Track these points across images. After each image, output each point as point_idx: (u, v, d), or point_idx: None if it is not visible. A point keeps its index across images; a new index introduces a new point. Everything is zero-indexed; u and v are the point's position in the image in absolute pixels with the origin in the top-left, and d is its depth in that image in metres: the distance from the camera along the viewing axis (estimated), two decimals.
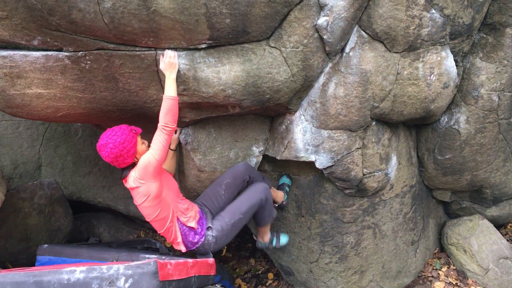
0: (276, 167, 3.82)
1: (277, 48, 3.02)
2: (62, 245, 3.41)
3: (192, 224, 3.12)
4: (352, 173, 3.46)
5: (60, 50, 2.85)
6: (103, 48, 2.84)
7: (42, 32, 2.72)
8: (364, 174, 3.52)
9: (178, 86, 2.99)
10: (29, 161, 4.56)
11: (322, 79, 3.26)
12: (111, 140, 2.87)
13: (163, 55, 2.87)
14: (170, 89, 2.89)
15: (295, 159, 3.45)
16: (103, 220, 5.13)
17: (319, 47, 3.09)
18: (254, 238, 3.89)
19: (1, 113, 4.60)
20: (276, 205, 3.79)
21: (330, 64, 3.24)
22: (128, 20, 2.66)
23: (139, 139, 3.01)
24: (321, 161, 3.40)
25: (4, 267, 4.01)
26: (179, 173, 3.81)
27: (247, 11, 2.79)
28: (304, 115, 3.38)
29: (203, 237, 3.15)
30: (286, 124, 3.46)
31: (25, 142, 4.58)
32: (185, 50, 2.93)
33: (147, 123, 3.45)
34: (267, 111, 3.46)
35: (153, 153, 2.87)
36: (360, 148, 3.46)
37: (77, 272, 2.19)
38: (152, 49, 2.89)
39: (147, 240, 3.66)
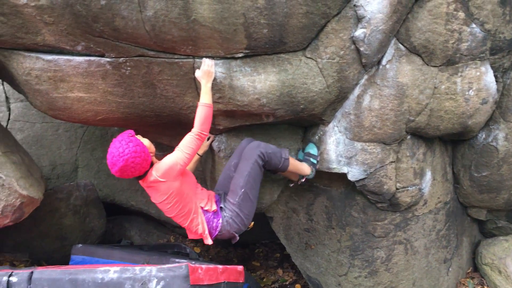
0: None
1: (313, 59, 3.03)
2: (95, 246, 3.50)
3: (213, 207, 3.09)
4: (385, 187, 3.42)
5: (102, 56, 2.94)
6: (144, 55, 2.92)
7: (86, 38, 2.82)
8: (397, 189, 3.47)
9: (213, 94, 3.04)
10: (67, 163, 4.70)
11: (357, 91, 3.25)
12: (127, 157, 2.71)
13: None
14: (206, 97, 2.92)
15: (327, 170, 3.44)
16: (135, 223, 5.22)
17: (355, 59, 3.09)
18: (291, 185, 3.72)
19: (42, 115, 4.76)
20: (303, 179, 3.52)
21: (365, 76, 3.22)
22: (168, 28, 2.72)
23: (139, 137, 2.91)
24: (354, 173, 3.38)
25: (39, 264, 4.14)
26: (211, 181, 3.85)
27: (285, 21, 2.82)
28: (337, 127, 3.37)
29: (220, 219, 3.09)
30: (319, 135, 3.46)
31: (63, 144, 4.72)
32: (222, 59, 2.98)
33: (181, 129, 3.50)
34: (301, 121, 3.47)
35: (181, 156, 2.84)
36: (394, 161, 3.42)
37: (111, 272, 2.24)
38: (190, 57, 2.95)
39: (177, 245, 3.71)
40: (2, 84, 4.80)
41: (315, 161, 3.44)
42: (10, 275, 2.27)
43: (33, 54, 2.94)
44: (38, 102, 3.20)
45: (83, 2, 2.59)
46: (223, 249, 5.40)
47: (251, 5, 2.71)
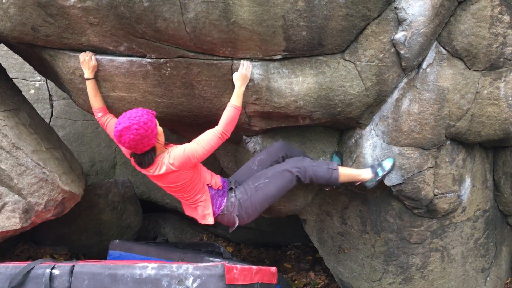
0: None
1: (351, 62, 3.01)
2: (132, 242, 3.57)
3: (218, 184, 3.10)
4: (422, 193, 3.36)
5: (144, 56, 3.01)
6: (183, 56, 2.97)
7: (128, 39, 2.90)
8: (435, 195, 3.41)
9: (250, 95, 3.06)
10: (106, 160, 4.82)
11: (396, 94, 3.21)
12: (135, 121, 2.68)
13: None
14: (238, 100, 2.94)
15: None
16: (169, 220, 5.31)
17: (395, 62, 3.05)
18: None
19: (83, 113, 4.91)
20: (358, 183, 3.37)
21: (405, 80, 3.18)
22: (208, 30, 2.76)
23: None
24: (390, 178, 3.33)
25: (78, 258, 4.27)
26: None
27: (324, 24, 2.81)
28: (374, 130, 3.33)
29: (225, 198, 3.08)
30: (355, 138, 3.43)
31: (102, 142, 4.85)
32: (260, 61, 3.00)
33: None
34: (337, 124, 3.45)
35: (199, 151, 2.83)
36: (432, 167, 3.36)
37: (149, 268, 2.29)
38: (229, 58, 2.98)
39: (211, 244, 3.75)
40: (46, 82, 4.97)
41: (381, 173, 3.28)
42: (52, 268, 2.36)
43: (78, 54, 3.04)
44: (81, 101, 3.30)
45: (127, 4, 2.66)
46: (255, 250, 5.42)
47: (291, 8, 2.72)
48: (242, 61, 2.94)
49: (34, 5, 2.78)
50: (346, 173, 3.24)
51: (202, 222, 3.15)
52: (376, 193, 3.62)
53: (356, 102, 3.10)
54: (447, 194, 3.44)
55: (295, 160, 3.18)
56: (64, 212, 3.35)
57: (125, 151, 3.07)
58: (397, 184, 3.35)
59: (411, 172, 3.30)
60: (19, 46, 3.29)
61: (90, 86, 3.07)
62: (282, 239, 5.38)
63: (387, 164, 3.28)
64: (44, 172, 3.14)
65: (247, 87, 3.01)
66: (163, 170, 2.84)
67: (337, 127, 3.53)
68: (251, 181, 3.15)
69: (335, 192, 3.79)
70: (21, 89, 3.76)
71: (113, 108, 3.24)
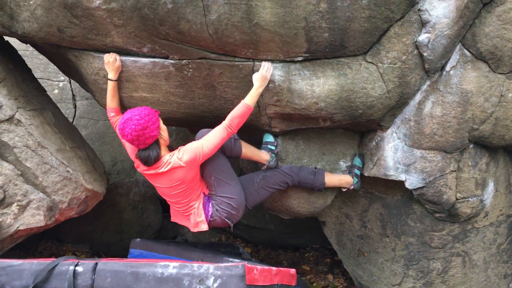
0: (362, 184, 3.75)
1: (373, 64, 2.99)
2: (153, 241, 3.61)
3: (206, 191, 3.18)
4: (444, 197, 3.32)
5: (166, 57, 3.04)
6: (205, 57, 2.99)
7: (152, 41, 2.93)
8: (457, 199, 3.37)
9: (271, 96, 3.07)
10: (127, 159, 4.88)
11: (418, 97, 3.18)
12: (136, 113, 2.81)
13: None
14: (252, 100, 2.96)
15: (383, 177, 3.38)
16: None
17: (418, 64, 3.02)
18: (343, 190, 3.66)
19: (105, 113, 4.96)
20: (344, 189, 3.58)
21: (428, 82, 3.15)
22: (230, 32, 2.78)
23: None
24: (412, 181, 3.30)
25: (99, 255, 4.33)
26: None
27: (346, 26, 2.80)
28: (396, 133, 3.30)
29: (211, 204, 3.13)
30: (376, 140, 3.41)
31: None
32: (281, 62, 3.00)
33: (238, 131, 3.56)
34: (358, 126, 3.43)
35: (208, 145, 2.89)
36: (454, 171, 3.31)
37: (171, 267, 2.31)
38: (250, 60, 3.00)
39: (230, 244, 3.76)
40: (70, 82, 5.06)
41: (273, 147, 3.45)
42: (76, 265, 2.40)
43: (102, 55, 3.08)
44: (105, 101, 3.35)
45: (151, 5, 2.69)
46: (273, 251, 5.42)
47: (313, 9, 2.72)
48: (263, 63, 2.95)
49: (60, 7, 2.84)
50: (248, 147, 3.32)
51: (195, 230, 3.19)
52: (396, 196, 3.59)
53: (377, 104, 3.08)
54: (470, 199, 3.39)
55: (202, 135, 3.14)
56: (86, 211, 3.40)
57: (131, 152, 3.08)
58: (418, 188, 3.31)
59: (433, 175, 3.26)
60: (44, 47, 3.36)
61: (111, 87, 3.14)
62: (300, 241, 5.37)
63: (268, 137, 3.46)
64: (68, 171, 3.19)
65: (268, 89, 3.02)
66: (169, 166, 2.89)
67: (358, 129, 3.51)
68: (208, 189, 3.19)
69: (355, 195, 3.78)
70: (45, 89, 3.83)
71: None
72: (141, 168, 3.01)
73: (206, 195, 3.17)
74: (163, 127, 2.97)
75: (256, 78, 2.95)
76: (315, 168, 3.48)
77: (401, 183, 3.36)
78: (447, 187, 3.30)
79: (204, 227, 3.15)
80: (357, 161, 3.53)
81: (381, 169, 3.37)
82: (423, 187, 3.30)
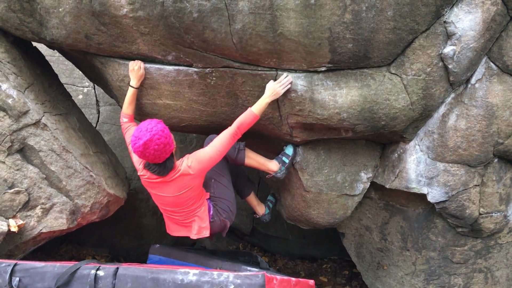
0: (383, 196, 3.72)
1: (397, 75, 2.97)
2: (171, 247, 3.63)
3: (207, 195, 3.23)
4: (467, 211, 3.26)
5: (190, 65, 3.07)
6: (229, 66, 3.01)
7: (176, 49, 2.97)
8: (480, 214, 3.31)
9: (294, 106, 3.07)
10: None
11: (442, 109, 3.14)
12: (154, 132, 2.76)
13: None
14: (259, 108, 3.00)
15: (405, 190, 3.34)
16: None
17: (443, 76, 2.99)
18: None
19: None
20: (257, 216, 3.90)
21: (452, 95, 3.11)
22: (255, 41, 2.80)
23: None
24: (434, 194, 3.26)
25: (118, 260, 4.36)
26: (284, 191, 3.87)
27: (371, 37, 2.80)
28: (419, 145, 3.27)
29: (211, 205, 3.21)
30: (398, 152, 3.38)
31: None
32: (304, 72, 3.00)
33: (258, 139, 3.57)
34: (380, 138, 3.41)
35: (216, 152, 2.94)
36: (478, 185, 3.26)
37: (191, 274, 2.31)
38: (273, 69, 3.01)
39: (249, 253, 3.76)
40: (94, 88, 5.14)
41: (287, 160, 3.46)
42: (97, 269, 2.42)
43: (127, 62, 3.13)
44: None
45: (177, 14, 2.73)
46: (290, 261, 5.39)
47: (338, 20, 2.72)
48: (284, 74, 2.96)
49: (88, 14, 2.90)
50: (254, 157, 3.41)
51: (195, 237, 3.20)
52: (418, 209, 3.54)
53: (401, 116, 3.06)
54: (493, 214, 3.33)
55: (208, 141, 3.25)
56: (108, 215, 3.44)
57: (136, 163, 3.09)
58: (441, 201, 3.27)
59: (456, 189, 3.22)
60: (71, 53, 3.43)
61: (131, 93, 3.19)
62: (318, 252, 5.33)
63: (289, 150, 3.48)
64: (91, 175, 3.24)
65: (290, 98, 3.03)
66: (179, 174, 2.92)
67: (380, 140, 3.49)
68: (208, 191, 3.25)
69: (376, 207, 3.74)
70: (70, 94, 3.90)
71: (159, 115, 3.32)
72: (147, 176, 2.99)
73: (208, 199, 3.23)
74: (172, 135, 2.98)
75: (269, 87, 2.97)
76: (238, 144, 3.37)
77: (423, 196, 3.32)
78: (470, 202, 3.25)
79: (206, 233, 3.19)
80: (289, 150, 3.50)
81: (403, 181, 3.33)
82: (446, 201, 3.25)
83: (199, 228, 3.18)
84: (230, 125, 3.33)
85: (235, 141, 3.02)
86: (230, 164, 3.44)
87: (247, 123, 2.99)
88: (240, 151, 3.30)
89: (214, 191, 3.25)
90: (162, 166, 2.88)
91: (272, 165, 3.45)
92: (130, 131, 3.18)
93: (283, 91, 2.96)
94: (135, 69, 3.07)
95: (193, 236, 3.21)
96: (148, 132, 2.75)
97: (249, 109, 2.99)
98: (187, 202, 3.08)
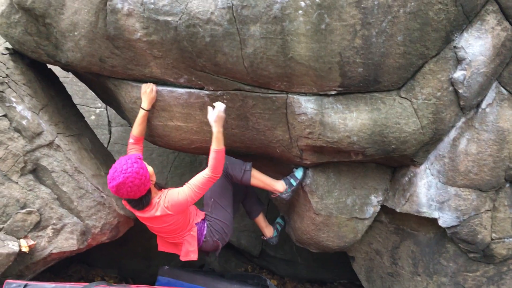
0: (394, 220, 3.69)
1: (407, 99, 2.98)
2: (180, 269, 3.61)
3: (201, 216, 3.32)
4: (479, 236, 3.23)
5: (202, 88, 3.11)
6: (240, 89, 3.05)
7: (188, 72, 3.01)
8: (492, 239, 3.27)
9: (304, 129, 3.07)
10: None
11: (453, 133, 3.14)
12: (128, 174, 2.81)
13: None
14: (219, 142, 3.00)
15: (416, 214, 3.32)
16: None
17: (453, 101, 3.00)
18: (263, 238, 3.95)
19: None
20: (264, 238, 3.93)
21: (463, 119, 3.11)
22: (265, 65, 2.83)
23: (145, 163, 3.03)
24: (445, 219, 3.23)
25: (127, 281, 4.34)
26: (294, 214, 3.86)
27: (381, 61, 2.82)
28: (430, 169, 3.26)
29: (206, 223, 3.29)
30: (409, 176, 3.36)
31: (155, 168, 4.92)
32: (315, 95, 3.02)
33: (267, 161, 3.58)
34: (390, 161, 3.40)
35: (192, 195, 2.97)
36: (490, 210, 3.23)
37: None
38: (284, 92, 3.03)
39: (258, 276, 3.73)
40: (106, 109, 5.20)
41: (294, 183, 3.44)
42: None
43: (140, 85, 3.18)
44: None
45: (190, 38, 2.78)
46: (299, 284, 5.33)
47: (348, 45, 2.75)
48: (217, 103, 3.00)
49: (103, 38, 2.96)
50: (259, 177, 3.42)
51: (184, 259, 3.27)
52: (429, 234, 3.51)
53: (411, 140, 3.06)
54: (506, 239, 3.29)
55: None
56: (118, 236, 3.45)
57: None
58: (452, 226, 3.24)
59: (468, 214, 3.19)
60: (85, 75, 3.49)
61: (141, 115, 3.23)
62: (328, 275, 5.27)
63: (299, 173, 3.45)
64: (102, 196, 3.26)
65: (300, 121, 3.04)
66: (158, 213, 2.98)
67: (390, 164, 3.48)
68: (205, 209, 3.38)
69: (386, 231, 3.71)
70: (83, 114, 3.96)
71: (170, 137, 3.35)
72: (129, 206, 3.08)
73: (200, 221, 3.29)
74: (150, 170, 3.01)
75: (213, 119, 2.98)
76: (245, 165, 3.39)
77: (434, 220, 3.29)
78: (482, 227, 3.22)
79: (194, 256, 3.25)
80: (299, 174, 3.49)
81: (413, 205, 3.31)
82: (457, 225, 3.22)
83: (186, 251, 3.26)
84: (240, 147, 3.37)
85: (213, 183, 3.03)
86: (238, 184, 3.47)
87: (219, 161, 3.00)
88: (246, 172, 3.33)
89: (212, 211, 3.30)
90: (138, 201, 2.96)
91: (279, 186, 3.46)
92: (133, 152, 3.27)
93: (222, 113, 2.98)
94: (147, 92, 3.12)
95: (181, 258, 3.30)
96: (122, 174, 2.80)
97: (212, 150, 3.00)
98: (173, 231, 3.18)
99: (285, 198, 3.49)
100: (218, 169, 3.01)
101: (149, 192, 2.98)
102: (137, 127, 3.27)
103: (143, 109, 3.20)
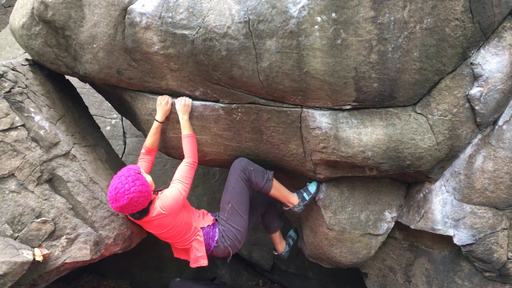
0: (408, 236, 3.65)
1: (423, 115, 2.97)
2: (192, 281, 3.61)
3: (209, 221, 3.30)
4: (494, 255, 3.17)
5: (217, 101, 3.13)
6: (255, 102, 3.06)
7: (204, 85, 3.04)
8: (508, 258, 3.21)
9: (318, 143, 3.07)
10: None
11: (469, 150, 3.11)
12: (132, 195, 2.83)
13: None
14: (187, 128, 3.15)
15: (430, 231, 3.28)
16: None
17: (469, 117, 2.97)
18: (275, 253, 3.95)
19: None
20: (276, 253, 3.95)
21: (479, 136, 3.08)
22: (281, 79, 2.84)
23: (144, 174, 3.02)
24: (460, 237, 3.18)
25: None
26: (306, 228, 3.84)
27: (396, 77, 2.81)
28: (445, 186, 3.22)
29: (217, 229, 3.26)
30: (424, 192, 3.33)
31: (169, 179, 4.95)
32: (329, 110, 3.03)
33: (282, 174, 3.57)
34: (405, 177, 3.37)
35: (183, 187, 3.03)
36: (506, 228, 3.18)
37: None
38: (298, 106, 3.04)
39: None
40: (122, 120, 5.25)
41: (307, 197, 3.44)
42: None
43: (156, 97, 3.21)
44: None
45: (206, 52, 2.80)
46: None
47: (363, 60, 2.75)
48: (181, 97, 3.14)
49: (121, 50, 3.00)
50: (279, 188, 3.42)
51: (194, 265, 3.30)
52: (444, 252, 3.45)
53: (426, 156, 3.03)
54: None
55: (236, 163, 3.30)
56: (130, 247, 3.45)
57: None
58: (467, 244, 3.19)
59: (483, 232, 3.14)
60: (102, 87, 3.53)
61: (155, 127, 3.28)
62: None
63: (312, 187, 3.45)
64: None
65: (315, 135, 3.04)
66: (154, 214, 3.00)
67: (404, 180, 3.45)
68: (221, 214, 3.32)
69: (400, 247, 3.67)
70: (99, 125, 4.00)
71: None
72: (130, 218, 3.15)
73: (208, 226, 3.28)
74: (150, 180, 3.03)
75: (179, 109, 3.14)
76: (267, 174, 3.38)
77: (449, 238, 3.25)
78: (498, 245, 3.16)
79: (204, 262, 3.25)
80: (312, 188, 3.48)
81: (428, 222, 3.27)
82: (473, 244, 3.17)
83: (195, 257, 3.27)
84: (254, 160, 3.37)
85: (195, 169, 3.14)
86: (262, 194, 3.48)
87: (194, 146, 3.18)
88: (268, 181, 3.33)
89: (228, 216, 3.27)
90: (140, 212, 3.01)
91: (294, 199, 3.46)
92: (142, 164, 3.33)
93: (188, 103, 3.13)
94: (162, 104, 3.15)
95: (191, 265, 3.31)
96: (126, 195, 2.82)
97: (183, 136, 3.16)
98: (176, 236, 3.18)
99: (297, 212, 3.47)
100: (195, 154, 3.15)
101: (151, 202, 3.02)
102: (150, 138, 3.31)
103: (156, 121, 3.24)
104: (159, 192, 3.08)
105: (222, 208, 3.32)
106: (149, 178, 3.04)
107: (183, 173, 3.09)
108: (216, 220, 3.36)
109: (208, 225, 3.30)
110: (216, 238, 3.27)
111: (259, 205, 3.59)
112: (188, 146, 3.15)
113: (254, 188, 3.34)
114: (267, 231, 3.87)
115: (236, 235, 3.29)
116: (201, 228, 3.26)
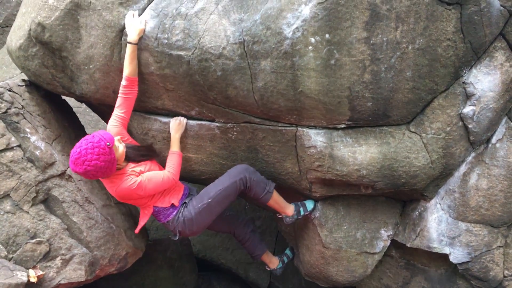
0: (404, 254, 3.65)
1: (417, 134, 2.99)
2: None
3: (171, 203, 3.14)
4: (491, 273, 3.17)
5: (212, 120, 3.15)
6: (250, 121, 3.08)
7: (200, 104, 3.06)
8: (505, 276, 3.21)
9: (313, 162, 3.09)
10: None
11: (463, 168, 3.13)
12: (91, 168, 2.68)
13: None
14: (176, 146, 3.15)
15: (426, 249, 3.28)
16: (222, 281, 5.28)
17: (463, 135, 3.00)
18: (267, 268, 3.91)
19: None
20: (268, 269, 3.89)
21: (473, 154, 3.10)
22: (276, 99, 2.87)
23: (117, 143, 2.86)
24: (456, 255, 3.18)
25: None
26: (303, 247, 3.83)
27: (390, 96, 2.84)
28: (440, 204, 3.23)
29: (175, 212, 3.14)
30: (419, 210, 3.34)
31: None
32: (324, 129, 3.04)
33: (278, 191, 3.57)
34: (400, 195, 3.38)
35: (148, 188, 2.91)
36: (502, 246, 3.18)
37: None
38: (293, 125, 3.06)
39: None
40: None
41: (302, 213, 3.42)
42: None
43: (152, 116, 3.24)
44: None
45: (202, 72, 2.83)
46: None
47: (357, 79, 2.78)
48: (176, 117, 3.17)
49: (117, 71, 3.03)
50: (277, 199, 3.32)
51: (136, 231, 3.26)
52: (440, 270, 3.45)
53: (421, 174, 3.05)
54: None
55: (241, 169, 3.15)
56: (125, 267, 3.43)
57: None
58: (463, 262, 3.19)
59: (479, 250, 3.14)
60: (99, 106, 3.55)
61: (130, 51, 2.86)
62: None
63: (310, 204, 3.44)
64: (111, 227, 3.26)
65: (310, 154, 3.05)
66: (109, 188, 2.91)
67: (400, 198, 3.46)
68: (195, 200, 3.16)
69: (396, 266, 3.66)
70: None
71: (180, 168, 3.36)
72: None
73: (162, 207, 3.13)
74: (120, 150, 2.86)
75: (173, 127, 3.15)
76: (269, 186, 3.26)
77: (445, 256, 3.25)
78: (494, 263, 3.16)
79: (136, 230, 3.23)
80: (310, 206, 3.47)
81: (424, 240, 3.27)
82: (469, 262, 3.17)
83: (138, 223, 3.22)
84: None
85: (169, 184, 3.03)
86: (243, 222, 3.53)
87: (178, 163, 3.13)
88: (268, 193, 3.23)
89: (200, 209, 3.11)
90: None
91: (289, 210, 3.41)
92: (121, 102, 3.02)
93: (183, 123, 3.15)
94: (133, 22, 2.84)
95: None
96: (85, 164, 2.66)
97: (171, 152, 3.14)
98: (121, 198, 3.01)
99: (287, 223, 3.46)
100: (178, 171, 3.11)
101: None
102: (129, 67, 2.90)
103: (130, 43, 2.83)
104: (142, 165, 3.00)
105: (200, 196, 3.16)
106: (120, 149, 2.84)
107: (158, 178, 2.97)
108: (185, 203, 3.19)
109: (163, 206, 3.13)
110: (169, 219, 3.15)
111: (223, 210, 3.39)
112: (172, 162, 3.09)
113: (251, 195, 3.23)
114: (253, 259, 3.81)
115: (193, 226, 3.15)
116: (153, 206, 3.12)
